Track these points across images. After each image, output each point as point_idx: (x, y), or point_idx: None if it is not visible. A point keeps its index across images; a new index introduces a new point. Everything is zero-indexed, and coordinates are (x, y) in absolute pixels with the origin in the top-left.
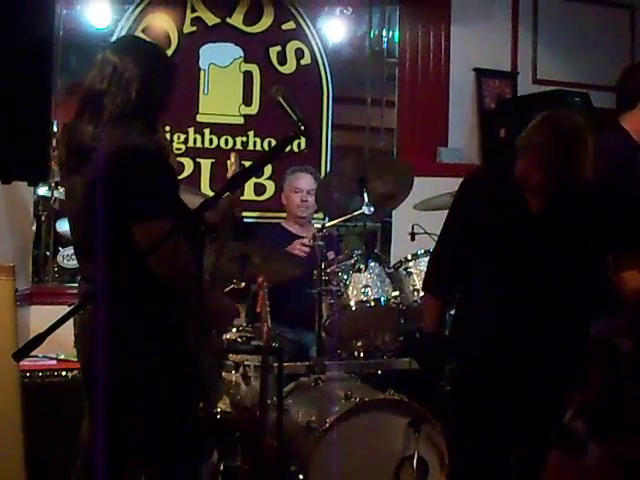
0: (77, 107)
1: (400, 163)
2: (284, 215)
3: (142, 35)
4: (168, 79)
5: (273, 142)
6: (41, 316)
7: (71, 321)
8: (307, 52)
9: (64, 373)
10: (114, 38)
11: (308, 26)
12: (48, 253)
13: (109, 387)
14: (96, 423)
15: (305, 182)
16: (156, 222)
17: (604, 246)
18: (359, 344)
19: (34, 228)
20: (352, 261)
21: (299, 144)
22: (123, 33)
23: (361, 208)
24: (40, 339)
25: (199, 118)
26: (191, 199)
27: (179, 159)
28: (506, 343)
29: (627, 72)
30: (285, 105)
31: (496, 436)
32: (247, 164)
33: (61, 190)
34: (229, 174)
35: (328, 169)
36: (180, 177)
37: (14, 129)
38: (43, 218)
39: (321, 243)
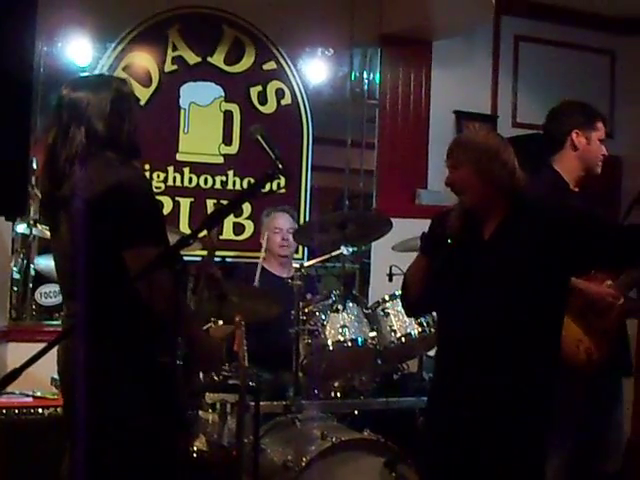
0: (48, 149)
1: (378, 213)
2: (262, 255)
3: (123, 73)
4: (128, 108)
5: (252, 182)
6: (18, 354)
7: (49, 359)
8: (288, 92)
9: (40, 410)
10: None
11: (289, 66)
12: (26, 291)
13: (90, 423)
14: (76, 460)
15: (284, 221)
16: (147, 248)
17: (558, 271)
18: (336, 384)
19: (12, 265)
20: (330, 301)
21: (278, 184)
22: (104, 71)
23: (339, 249)
24: (16, 374)
25: (179, 157)
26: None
27: (158, 197)
28: (455, 378)
29: (553, 114)
30: (263, 144)
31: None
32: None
33: (40, 228)
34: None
35: (307, 210)
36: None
37: None
38: (21, 255)
39: (299, 283)
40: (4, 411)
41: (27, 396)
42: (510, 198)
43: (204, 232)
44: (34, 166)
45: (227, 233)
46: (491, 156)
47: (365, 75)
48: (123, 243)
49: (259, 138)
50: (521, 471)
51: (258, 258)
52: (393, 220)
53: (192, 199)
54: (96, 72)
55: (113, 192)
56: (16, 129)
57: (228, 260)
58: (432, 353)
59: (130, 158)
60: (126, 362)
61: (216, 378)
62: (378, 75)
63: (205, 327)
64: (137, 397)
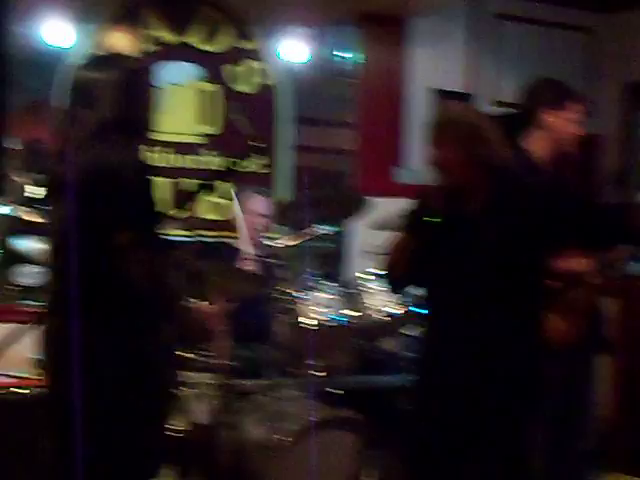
0: (57, 130)
1: (354, 192)
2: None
3: (101, 54)
4: (144, 94)
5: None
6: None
7: (27, 339)
8: (266, 72)
9: (24, 390)
10: (74, 56)
11: (267, 46)
12: (2, 271)
13: (77, 403)
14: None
15: (261, 205)
16: (137, 230)
17: (540, 248)
18: (315, 363)
19: None
20: (308, 281)
21: (256, 164)
22: (83, 52)
23: (316, 227)
24: None
25: (157, 136)
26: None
27: None
28: (440, 358)
29: (524, 91)
30: (240, 123)
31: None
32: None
33: (15, 207)
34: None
35: (286, 189)
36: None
37: None
38: None
39: (276, 261)
40: None
41: (5, 376)
42: (494, 174)
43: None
44: (13, 146)
45: (205, 212)
46: (474, 134)
47: (342, 54)
48: (112, 226)
49: (236, 118)
50: (505, 446)
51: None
52: (371, 199)
53: (171, 179)
54: (73, 52)
55: (103, 175)
56: None
57: (209, 240)
58: (411, 332)
59: (137, 139)
60: (109, 339)
61: (195, 357)
62: (355, 54)
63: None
64: (121, 375)
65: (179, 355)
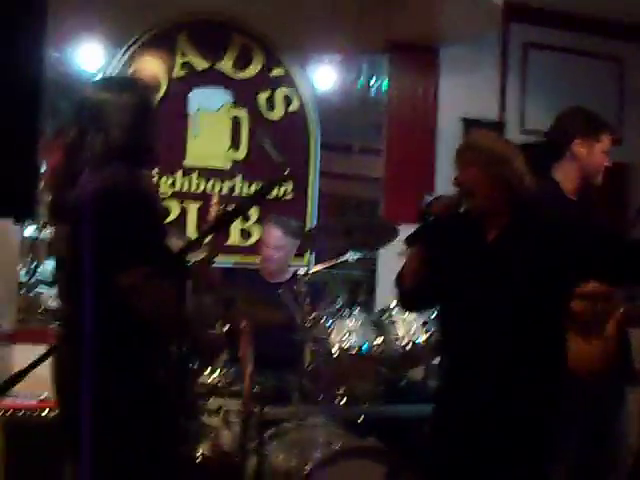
0: (63, 150)
1: (384, 220)
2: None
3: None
4: (149, 116)
5: (259, 187)
6: (25, 356)
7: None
8: (295, 99)
9: (45, 413)
10: (106, 76)
11: (297, 73)
12: (32, 294)
13: (86, 432)
14: (78, 468)
15: (272, 237)
16: (139, 269)
17: (558, 281)
18: (341, 391)
19: (20, 268)
20: (336, 308)
21: (285, 190)
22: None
23: (346, 255)
24: (20, 376)
25: (187, 162)
26: (175, 242)
27: (166, 202)
28: (456, 387)
29: (556, 121)
30: (269, 150)
31: None
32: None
33: (48, 231)
34: (211, 216)
35: (314, 216)
36: (167, 221)
37: (1, 167)
38: (29, 258)
39: (304, 289)
40: (9, 413)
41: (32, 398)
42: (516, 204)
43: (209, 237)
44: (42, 169)
45: (233, 239)
46: (501, 159)
47: (373, 82)
48: (117, 264)
49: (265, 144)
50: None
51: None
52: (400, 227)
53: (200, 204)
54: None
55: (113, 204)
56: (25, 132)
57: (232, 265)
58: (438, 361)
59: (143, 167)
60: (121, 374)
61: (221, 384)
62: (386, 82)
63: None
64: (132, 410)
65: (202, 382)
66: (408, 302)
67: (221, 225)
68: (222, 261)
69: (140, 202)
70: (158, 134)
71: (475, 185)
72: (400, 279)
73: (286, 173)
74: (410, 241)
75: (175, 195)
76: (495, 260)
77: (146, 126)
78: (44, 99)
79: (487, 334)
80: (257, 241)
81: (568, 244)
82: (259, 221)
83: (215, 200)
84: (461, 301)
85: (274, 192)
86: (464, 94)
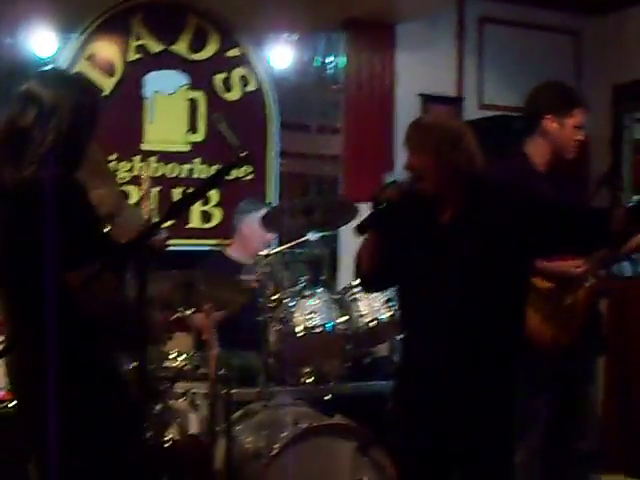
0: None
1: (344, 199)
2: (227, 242)
3: (86, 63)
4: (95, 114)
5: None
6: None
7: None
8: (252, 79)
9: (9, 404)
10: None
11: (253, 53)
12: None
13: (44, 426)
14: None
15: (263, 239)
16: (84, 268)
17: (518, 256)
18: (306, 370)
19: None
20: (298, 287)
21: (245, 171)
22: (67, 62)
23: (306, 235)
24: None
25: (145, 146)
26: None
27: (125, 187)
28: (422, 358)
29: (529, 95)
30: (225, 132)
31: (434, 455)
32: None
33: None
34: (142, 195)
35: (274, 196)
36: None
37: None
38: None
39: (267, 270)
40: None
41: None
42: (469, 183)
43: (169, 222)
44: None
45: (194, 221)
46: (450, 142)
47: (329, 60)
48: (62, 264)
49: (221, 127)
50: (490, 454)
51: (227, 246)
52: (360, 205)
53: (159, 188)
54: (59, 62)
55: (52, 205)
56: None
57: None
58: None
59: (76, 167)
60: (70, 359)
61: (187, 367)
62: (343, 59)
63: (174, 316)
64: (88, 397)
65: (167, 366)
66: (368, 284)
67: (180, 208)
68: (183, 244)
69: (81, 201)
70: (93, 136)
71: (425, 170)
72: (358, 262)
73: (242, 155)
74: (361, 229)
75: (134, 180)
76: (449, 242)
77: (88, 127)
78: None
79: (444, 313)
80: (221, 223)
81: (520, 221)
82: (221, 205)
83: (146, 180)
84: (418, 283)
85: (234, 173)
86: (421, 70)
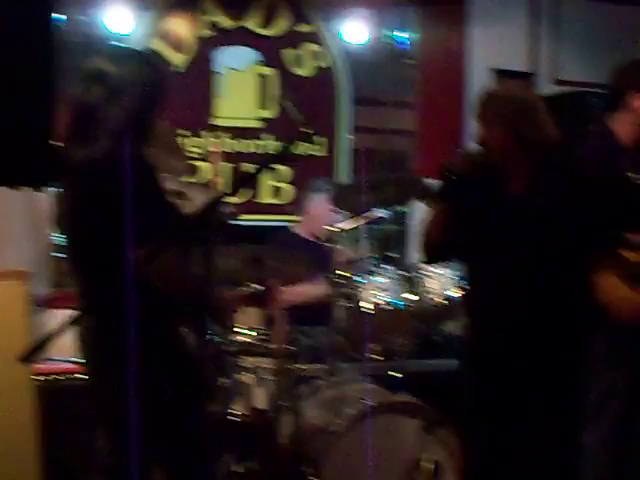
0: (67, 122)
1: (415, 175)
2: (297, 219)
3: (158, 40)
4: (162, 94)
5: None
6: (62, 320)
7: None
8: (323, 55)
9: (81, 375)
10: (129, 43)
11: (325, 28)
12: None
13: (115, 398)
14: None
15: (329, 218)
16: (152, 246)
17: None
18: (374, 347)
19: (50, 233)
20: (368, 264)
21: (316, 148)
22: (140, 39)
23: (377, 211)
24: (47, 341)
25: (215, 122)
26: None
27: (196, 163)
28: (488, 334)
29: (614, 71)
30: (289, 109)
31: (500, 435)
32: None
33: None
34: (214, 172)
35: (346, 172)
36: (197, 181)
37: (18, 136)
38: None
39: (337, 246)
40: (46, 377)
41: (67, 362)
42: (540, 155)
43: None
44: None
45: (265, 196)
46: (519, 113)
47: (402, 35)
48: (126, 243)
49: (286, 104)
50: (554, 431)
51: (297, 223)
52: (432, 181)
53: (230, 164)
54: (132, 39)
55: (124, 182)
56: (40, 99)
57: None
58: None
59: (146, 143)
60: (147, 342)
61: (254, 342)
62: (415, 34)
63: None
64: (156, 371)
65: (235, 340)
66: (430, 255)
67: (245, 183)
68: (253, 219)
69: (148, 176)
70: (162, 112)
71: (495, 141)
72: (424, 233)
73: (305, 131)
74: (431, 201)
75: (204, 156)
76: (517, 215)
77: (156, 103)
78: (67, 64)
79: (511, 288)
80: (299, 202)
81: (595, 199)
82: (292, 182)
83: (215, 155)
84: (484, 255)
85: (305, 150)
86: (494, 45)
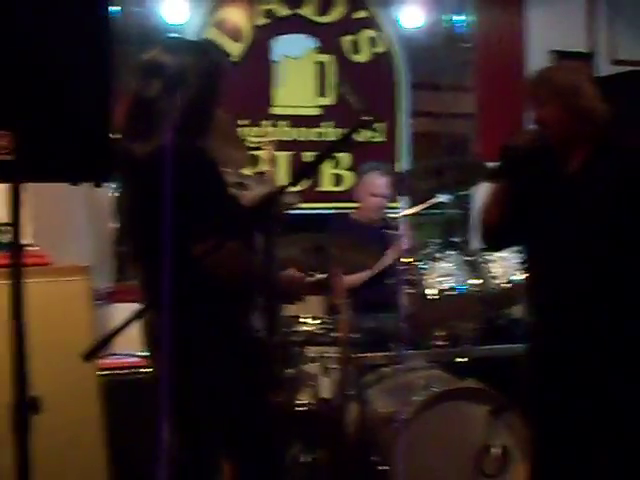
0: (125, 116)
1: (476, 158)
2: (358, 205)
3: (214, 30)
4: (220, 84)
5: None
6: (124, 314)
7: None
8: (380, 40)
9: (145, 369)
10: (185, 34)
11: (381, 14)
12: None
13: (182, 391)
14: (171, 423)
15: (381, 186)
16: (212, 239)
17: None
18: (439, 333)
19: (113, 227)
20: (430, 250)
21: (376, 134)
22: (196, 29)
23: (438, 196)
24: (109, 339)
25: (274, 111)
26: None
27: (255, 153)
28: (549, 318)
29: None
30: (349, 96)
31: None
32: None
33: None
34: (267, 163)
35: (406, 157)
36: (257, 171)
37: (76, 131)
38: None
39: (397, 232)
40: (109, 372)
41: (132, 356)
42: (595, 133)
43: (297, 186)
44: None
45: (326, 184)
46: (576, 90)
47: (459, 18)
48: (188, 236)
49: (345, 91)
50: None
51: (354, 210)
52: (493, 164)
53: (290, 152)
54: (188, 30)
55: (185, 175)
56: (98, 92)
57: (327, 212)
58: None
59: (205, 135)
60: (207, 328)
61: (318, 331)
62: (472, 17)
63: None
64: (222, 362)
65: (300, 330)
66: (491, 239)
67: (307, 172)
68: (315, 207)
69: (209, 169)
70: (220, 103)
71: (550, 119)
72: (483, 216)
73: (366, 119)
74: (491, 177)
75: (264, 145)
76: (576, 192)
77: (214, 94)
78: (123, 56)
79: (571, 269)
80: (353, 187)
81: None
82: (352, 168)
83: (270, 144)
84: (543, 237)
85: (364, 137)
86: (552, 26)
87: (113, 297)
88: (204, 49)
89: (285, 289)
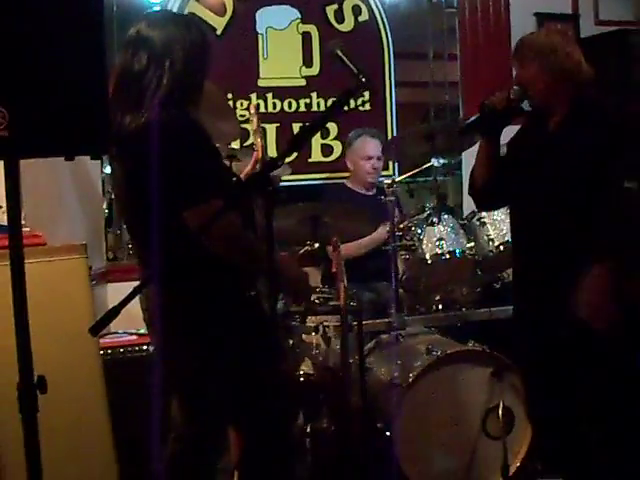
0: (113, 91)
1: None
2: (348, 174)
3: (196, 4)
4: (206, 55)
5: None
6: (118, 294)
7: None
8: (364, 8)
9: (145, 347)
10: (161, 9)
11: None
12: (119, 231)
13: (184, 365)
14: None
15: (374, 148)
16: (206, 205)
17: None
18: (437, 297)
19: (104, 206)
20: (425, 215)
21: (362, 100)
22: (177, 3)
23: (429, 161)
24: (115, 312)
25: (261, 83)
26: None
27: (244, 125)
28: (522, 274)
29: None
30: (344, 58)
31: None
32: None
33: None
34: (253, 128)
35: (393, 126)
36: (246, 144)
37: (72, 105)
38: (112, 196)
39: (392, 198)
40: (109, 351)
41: (131, 334)
42: (576, 93)
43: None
44: None
45: (315, 155)
46: (555, 50)
47: None
48: (182, 202)
49: (339, 53)
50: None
51: (347, 179)
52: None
53: (278, 124)
54: (169, 5)
55: (173, 144)
56: (93, 65)
57: (321, 182)
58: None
59: (194, 106)
60: (209, 299)
61: (317, 301)
62: None
63: (301, 250)
64: (226, 333)
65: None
66: (481, 199)
67: (301, 141)
68: (307, 178)
69: (201, 139)
70: (208, 74)
71: (533, 79)
72: (471, 177)
73: (363, 81)
74: (464, 130)
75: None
76: (553, 152)
77: (201, 65)
78: (107, 32)
79: (550, 226)
80: (344, 155)
81: (618, 144)
82: (339, 137)
83: (252, 111)
84: (523, 196)
85: (351, 103)
86: None
87: (106, 277)
88: (189, 21)
89: (291, 287)
